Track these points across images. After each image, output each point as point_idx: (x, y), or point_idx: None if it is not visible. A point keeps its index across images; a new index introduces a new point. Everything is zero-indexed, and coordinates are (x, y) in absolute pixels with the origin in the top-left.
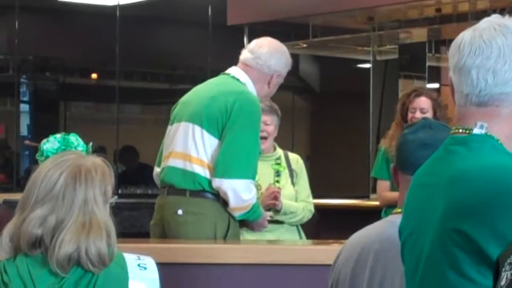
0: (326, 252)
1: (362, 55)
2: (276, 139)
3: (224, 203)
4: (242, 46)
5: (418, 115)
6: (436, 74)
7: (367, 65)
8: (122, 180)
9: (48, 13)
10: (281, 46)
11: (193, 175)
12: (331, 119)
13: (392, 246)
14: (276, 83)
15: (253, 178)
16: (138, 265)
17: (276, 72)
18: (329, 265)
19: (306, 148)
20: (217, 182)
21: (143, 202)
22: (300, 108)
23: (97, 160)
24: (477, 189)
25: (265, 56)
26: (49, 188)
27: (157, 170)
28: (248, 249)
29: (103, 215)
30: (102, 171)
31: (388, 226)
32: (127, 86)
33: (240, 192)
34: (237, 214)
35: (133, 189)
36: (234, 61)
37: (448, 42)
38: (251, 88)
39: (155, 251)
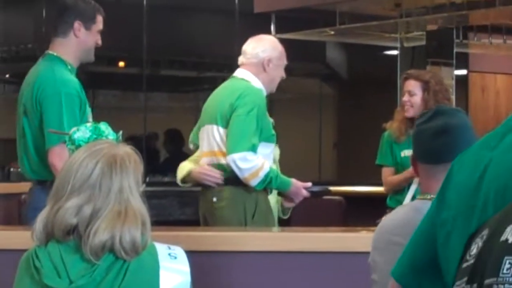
0: (355, 239)
1: (389, 42)
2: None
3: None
4: (269, 34)
5: (406, 97)
6: (463, 60)
7: (395, 52)
8: (149, 169)
9: None
10: (263, 36)
11: (220, 166)
12: (358, 107)
13: (407, 231)
14: (272, 67)
15: (250, 149)
16: (169, 254)
17: (265, 58)
18: (357, 253)
19: (334, 135)
20: (229, 159)
21: (170, 190)
22: (327, 95)
23: (129, 149)
24: None
25: (250, 50)
26: (85, 178)
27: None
28: (274, 236)
29: (138, 204)
30: (135, 160)
31: (411, 211)
32: (154, 74)
33: (238, 163)
34: (251, 183)
35: (160, 177)
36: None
37: (475, 28)
38: (256, 82)
39: (182, 239)
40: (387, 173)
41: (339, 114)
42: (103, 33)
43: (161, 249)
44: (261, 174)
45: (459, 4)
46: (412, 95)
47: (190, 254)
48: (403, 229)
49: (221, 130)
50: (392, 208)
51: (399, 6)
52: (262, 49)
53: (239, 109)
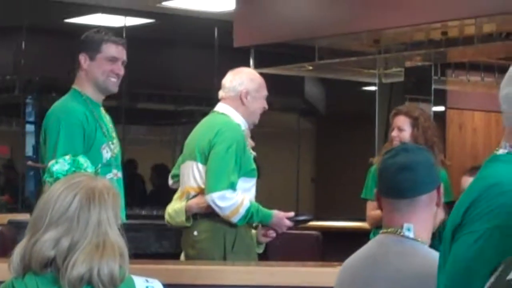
0: (330, 275)
1: (367, 77)
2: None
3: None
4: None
5: (395, 133)
6: (441, 97)
7: (373, 88)
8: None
9: (54, 34)
10: (242, 69)
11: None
12: (337, 141)
13: (375, 265)
14: (250, 99)
15: (230, 187)
16: (147, 287)
17: (242, 91)
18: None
19: (311, 170)
20: (208, 198)
21: (148, 223)
22: (306, 130)
23: (107, 182)
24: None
25: (227, 84)
26: (63, 210)
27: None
28: (252, 271)
29: (116, 237)
30: (113, 193)
31: (375, 246)
32: (133, 107)
33: (217, 202)
34: (232, 220)
35: (138, 210)
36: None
37: (453, 65)
38: (235, 116)
39: (161, 272)
40: (370, 207)
41: (317, 148)
42: None
43: (139, 281)
44: (242, 211)
45: (437, 41)
46: (401, 130)
47: (168, 287)
48: (366, 261)
49: (200, 166)
50: None
51: (378, 43)
52: (239, 82)
53: (218, 146)
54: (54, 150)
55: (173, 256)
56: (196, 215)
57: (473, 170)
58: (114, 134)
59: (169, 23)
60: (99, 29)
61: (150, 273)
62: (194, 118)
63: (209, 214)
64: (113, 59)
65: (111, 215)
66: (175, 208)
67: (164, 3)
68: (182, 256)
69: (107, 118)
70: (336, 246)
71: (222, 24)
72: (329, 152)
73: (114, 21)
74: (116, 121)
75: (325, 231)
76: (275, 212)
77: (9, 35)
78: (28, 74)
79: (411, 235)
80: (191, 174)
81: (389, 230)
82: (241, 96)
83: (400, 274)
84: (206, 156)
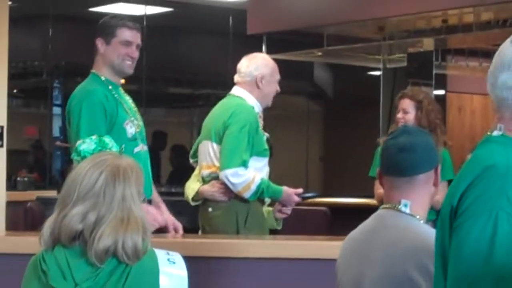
0: (337, 248)
1: (373, 63)
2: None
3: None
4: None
5: (401, 115)
6: (442, 81)
7: (378, 73)
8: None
9: (79, 22)
10: (256, 54)
11: (218, 178)
12: (343, 123)
13: (373, 238)
14: (265, 83)
15: (241, 165)
16: (168, 259)
17: (257, 76)
18: None
19: (320, 149)
20: (222, 175)
21: (167, 200)
22: (314, 112)
23: (131, 160)
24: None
25: (243, 68)
26: (90, 187)
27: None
28: (266, 244)
29: (139, 212)
30: (136, 171)
31: (375, 220)
32: (152, 91)
33: (230, 178)
34: (244, 195)
35: (158, 188)
36: None
37: (453, 52)
38: (250, 99)
39: (180, 245)
40: (378, 185)
41: (325, 130)
42: None
43: (161, 254)
44: (253, 187)
45: (438, 29)
46: (406, 113)
47: (187, 259)
48: (365, 234)
49: (215, 146)
50: None
51: (383, 30)
52: (254, 67)
53: (232, 126)
54: (77, 129)
55: (191, 230)
56: None
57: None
58: (136, 110)
59: (187, 12)
60: (114, 15)
61: (170, 246)
62: (209, 101)
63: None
64: (128, 43)
65: (135, 192)
66: (192, 187)
67: None
68: (200, 233)
69: (127, 98)
70: (343, 221)
71: (236, 12)
72: (336, 133)
73: (135, 10)
74: (137, 104)
75: (333, 207)
76: (284, 188)
77: (37, 23)
78: (55, 59)
79: (407, 210)
80: (206, 152)
81: (387, 205)
82: (256, 80)
83: (394, 246)
84: (221, 136)
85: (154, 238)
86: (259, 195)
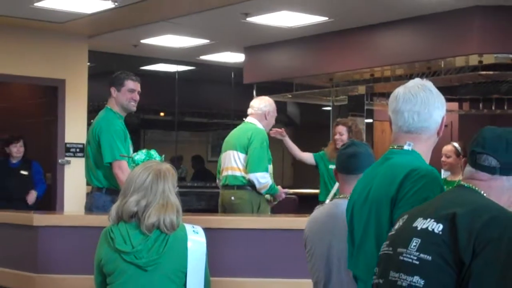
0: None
1: (325, 102)
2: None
3: (255, 190)
4: (252, 97)
5: (338, 136)
6: (370, 113)
7: (328, 108)
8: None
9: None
10: (264, 97)
11: (237, 177)
12: (307, 141)
13: (335, 220)
14: (270, 116)
15: (265, 170)
16: (193, 230)
17: (266, 111)
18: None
19: (291, 158)
20: (248, 176)
21: (191, 191)
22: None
23: (168, 165)
24: (409, 172)
25: (256, 105)
26: (141, 183)
27: (217, 180)
28: (255, 219)
29: (174, 199)
30: (172, 173)
31: (333, 206)
32: (182, 120)
33: (259, 179)
34: (262, 191)
35: (185, 183)
36: (246, 106)
37: (378, 94)
38: (259, 125)
39: (201, 221)
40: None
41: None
42: (151, 94)
43: (188, 227)
44: (268, 186)
45: (368, 79)
46: (342, 135)
47: (206, 230)
48: (327, 216)
49: (240, 154)
50: (322, 202)
51: (332, 80)
52: (264, 105)
53: (255, 142)
54: (111, 147)
55: (208, 211)
56: (234, 186)
57: None
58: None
59: (204, 69)
60: (123, 71)
61: (194, 221)
62: (219, 127)
63: (242, 186)
64: (132, 90)
65: (171, 186)
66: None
67: (201, 57)
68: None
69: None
70: (306, 205)
71: (236, 69)
72: (302, 147)
73: (171, 68)
74: (171, 128)
75: (300, 195)
76: (279, 187)
77: (105, 77)
78: None
79: None
80: (232, 158)
81: (341, 196)
82: (265, 114)
83: None
84: (246, 148)
85: (184, 216)
86: (268, 191)
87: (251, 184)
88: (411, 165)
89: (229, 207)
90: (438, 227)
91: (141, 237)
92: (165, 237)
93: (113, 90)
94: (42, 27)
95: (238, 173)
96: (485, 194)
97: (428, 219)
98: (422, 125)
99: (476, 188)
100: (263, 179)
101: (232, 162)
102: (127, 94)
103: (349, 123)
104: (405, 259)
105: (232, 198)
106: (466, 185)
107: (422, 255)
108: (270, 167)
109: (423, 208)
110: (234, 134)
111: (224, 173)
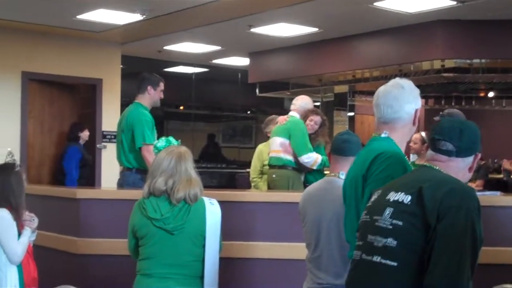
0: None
1: (315, 98)
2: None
3: (296, 170)
4: (255, 93)
5: (312, 123)
6: (352, 108)
7: (318, 103)
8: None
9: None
10: (307, 98)
11: (280, 158)
12: None
13: (325, 193)
14: (304, 110)
15: (310, 151)
16: (210, 202)
17: (302, 107)
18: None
19: None
20: (301, 159)
21: (205, 171)
22: None
23: (185, 148)
24: (378, 155)
25: (299, 104)
26: (167, 165)
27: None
28: (264, 194)
29: (196, 175)
30: (189, 153)
31: (325, 182)
32: (197, 113)
33: (304, 160)
34: (314, 167)
35: (200, 163)
36: (251, 101)
37: (359, 92)
38: (298, 116)
39: (217, 195)
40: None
41: None
42: (172, 91)
43: (206, 199)
44: (318, 162)
45: (350, 80)
46: (316, 124)
47: (221, 202)
48: (319, 190)
49: (284, 140)
50: (310, 182)
51: (321, 80)
52: (305, 102)
53: (295, 131)
54: (143, 135)
55: (219, 188)
56: (276, 166)
57: None
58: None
59: (216, 71)
60: (154, 74)
61: (210, 195)
62: (228, 119)
63: (283, 166)
64: (162, 90)
65: (191, 165)
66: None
67: (213, 61)
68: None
69: None
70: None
71: (242, 71)
72: None
73: (188, 70)
74: (188, 119)
75: None
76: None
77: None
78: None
79: (343, 177)
80: (277, 142)
81: (332, 174)
82: (305, 110)
83: (338, 198)
84: (289, 134)
85: (204, 191)
86: (320, 166)
87: (290, 165)
88: (382, 149)
89: (272, 183)
90: (407, 198)
91: (169, 207)
92: (188, 207)
93: (150, 88)
94: (83, 35)
95: (280, 155)
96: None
97: (399, 192)
98: (395, 116)
99: (437, 167)
100: (308, 159)
101: (276, 146)
102: (160, 93)
103: (323, 116)
104: (380, 224)
105: (274, 175)
106: (428, 165)
107: (394, 221)
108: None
109: (394, 184)
110: (281, 125)
111: (271, 155)
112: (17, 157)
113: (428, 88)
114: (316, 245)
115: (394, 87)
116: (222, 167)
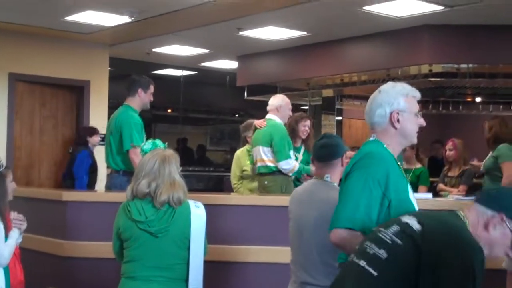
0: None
1: (304, 102)
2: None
3: (286, 174)
4: (243, 97)
5: (306, 128)
6: (340, 112)
7: (306, 107)
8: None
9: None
10: (280, 95)
11: (267, 166)
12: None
13: (310, 194)
14: (282, 109)
15: (287, 157)
16: (195, 205)
17: (277, 106)
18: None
19: None
20: (279, 165)
21: (190, 175)
22: None
23: (171, 151)
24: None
25: (271, 103)
26: (150, 168)
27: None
28: (250, 198)
29: (180, 179)
30: (175, 157)
31: (310, 184)
32: (186, 116)
33: (283, 166)
34: (291, 174)
35: (187, 167)
36: (239, 104)
37: (346, 96)
38: (277, 119)
39: (202, 198)
40: None
41: None
42: (160, 94)
43: (191, 202)
44: (295, 169)
45: (338, 84)
46: (309, 127)
47: (206, 206)
48: (306, 192)
49: (265, 148)
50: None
51: (309, 84)
52: (276, 101)
53: (275, 137)
54: (131, 137)
55: (206, 191)
56: (266, 173)
57: (353, 148)
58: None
59: (205, 74)
60: (144, 76)
61: (196, 198)
62: (216, 122)
63: (273, 173)
64: (152, 93)
65: (175, 169)
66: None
67: (202, 63)
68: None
69: None
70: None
71: (231, 74)
72: None
73: (176, 72)
74: (176, 122)
75: None
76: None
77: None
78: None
79: (328, 179)
80: (260, 152)
81: (317, 178)
82: (277, 108)
83: (324, 198)
84: (269, 143)
85: (190, 194)
86: (297, 173)
87: (279, 170)
88: (366, 150)
89: (264, 190)
90: (416, 225)
91: (153, 210)
92: (172, 210)
93: (140, 91)
94: (71, 37)
95: (267, 164)
96: (468, 225)
97: (412, 217)
98: (371, 121)
99: (461, 217)
100: (287, 165)
101: (261, 155)
102: (150, 96)
103: (311, 120)
104: (381, 235)
105: (266, 182)
106: (457, 213)
107: (395, 239)
108: (291, 152)
109: (416, 212)
110: (260, 131)
111: (257, 164)
112: (3, 158)
113: None
114: (299, 244)
115: (374, 93)
116: (209, 170)
